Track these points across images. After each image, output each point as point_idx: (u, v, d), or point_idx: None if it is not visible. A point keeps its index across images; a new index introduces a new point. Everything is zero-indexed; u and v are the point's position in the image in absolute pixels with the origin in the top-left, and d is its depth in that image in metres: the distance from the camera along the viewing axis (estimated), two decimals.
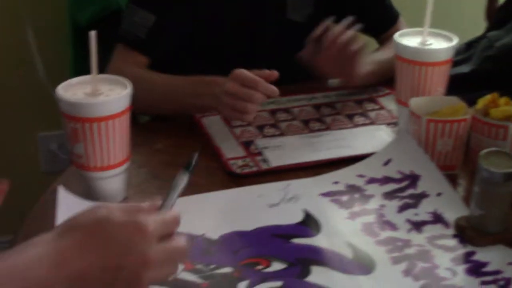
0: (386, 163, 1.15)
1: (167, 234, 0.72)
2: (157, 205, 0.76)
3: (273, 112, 1.36)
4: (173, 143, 1.26)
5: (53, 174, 1.18)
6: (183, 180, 0.86)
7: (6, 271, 0.59)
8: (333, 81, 1.44)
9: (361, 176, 1.13)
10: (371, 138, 1.26)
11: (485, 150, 1.00)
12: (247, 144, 1.25)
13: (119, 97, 1.02)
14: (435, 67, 1.20)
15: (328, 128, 1.31)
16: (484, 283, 0.92)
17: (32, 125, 2.06)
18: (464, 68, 1.34)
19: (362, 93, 1.43)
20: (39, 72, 1.97)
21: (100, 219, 0.67)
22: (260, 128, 1.31)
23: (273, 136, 1.28)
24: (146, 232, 0.68)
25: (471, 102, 1.17)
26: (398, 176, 1.13)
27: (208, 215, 1.05)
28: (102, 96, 1.02)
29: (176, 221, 0.74)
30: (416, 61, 1.20)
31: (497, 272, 0.94)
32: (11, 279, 0.59)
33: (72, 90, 1.03)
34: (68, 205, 1.00)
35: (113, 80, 1.05)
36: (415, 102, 1.17)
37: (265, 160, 1.19)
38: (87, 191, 1.06)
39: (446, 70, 1.22)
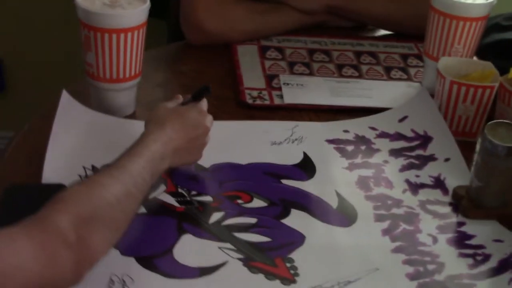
0: (402, 119, 1.11)
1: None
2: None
3: (311, 52, 1.33)
4: (197, 67, 1.25)
5: None
6: None
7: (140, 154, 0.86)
8: None
9: (373, 128, 1.10)
10: (399, 93, 1.22)
11: (494, 121, 0.95)
12: (271, 78, 1.23)
13: (134, 12, 1.02)
14: (472, 23, 1.14)
15: (360, 76, 1.27)
16: (462, 255, 0.89)
17: None
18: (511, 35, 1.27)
19: (411, 49, 1.38)
20: None
21: (173, 112, 0.94)
22: (292, 64, 1.28)
23: (301, 74, 1.25)
24: (204, 112, 0.97)
25: (507, 71, 1.11)
26: (410, 134, 1.09)
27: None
28: (119, 8, 1.02)
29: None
30: (450, 14, 1.14)
31: (479, 247, 0.90)
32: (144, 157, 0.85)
33: None
34: (68, 110, 1.01)
35: None
36: (444, 62, 1.11)
37: (281, 96, 1.17)
38: (97, 102, 1.07)
39: (481, 27, 1.15)
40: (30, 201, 0.89)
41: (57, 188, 0.91)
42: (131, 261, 0.83)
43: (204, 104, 0.98)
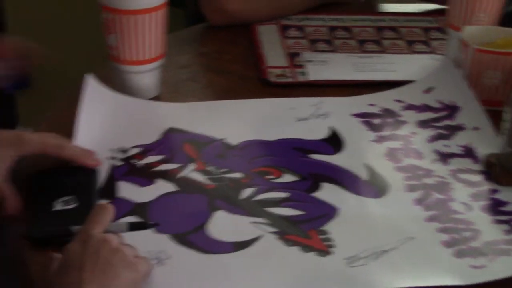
0: (427, 90, 1.10)
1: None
2: None
3: (332, 29, 1.32)
4: (218, 48, 1.24)
5: None
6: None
7: None
8: None
9: (399, 101, 1.09)
10: (423, 66, 1.21)
11: None
12: (293, 56, 1.22)
13: None
14: None
15: (382, 51, 1.26)
16: (497, 221, 0.88)
17: None
18: None
19: (432, 22, 1.36)
20: None
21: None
22: (313, 42, 1.27)
23: (322, 51, 1.24)
24: (117, 249, 0.75)
25: None
26: (437, 105, 1.08)
27: (234, 121, 1.04)
28: None
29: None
30: None
31: None
32: None
33: None
34: (93, 94, 1.01)
35: None
36: (468, 31, 1.10)
37: (303, 73, 1.17)
38: (121, 85, 1.07)
39: None
40: (58, 186, 0.89)
41: (85, 172, 0.91)
42: (166, 238, 0.83)
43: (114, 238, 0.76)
